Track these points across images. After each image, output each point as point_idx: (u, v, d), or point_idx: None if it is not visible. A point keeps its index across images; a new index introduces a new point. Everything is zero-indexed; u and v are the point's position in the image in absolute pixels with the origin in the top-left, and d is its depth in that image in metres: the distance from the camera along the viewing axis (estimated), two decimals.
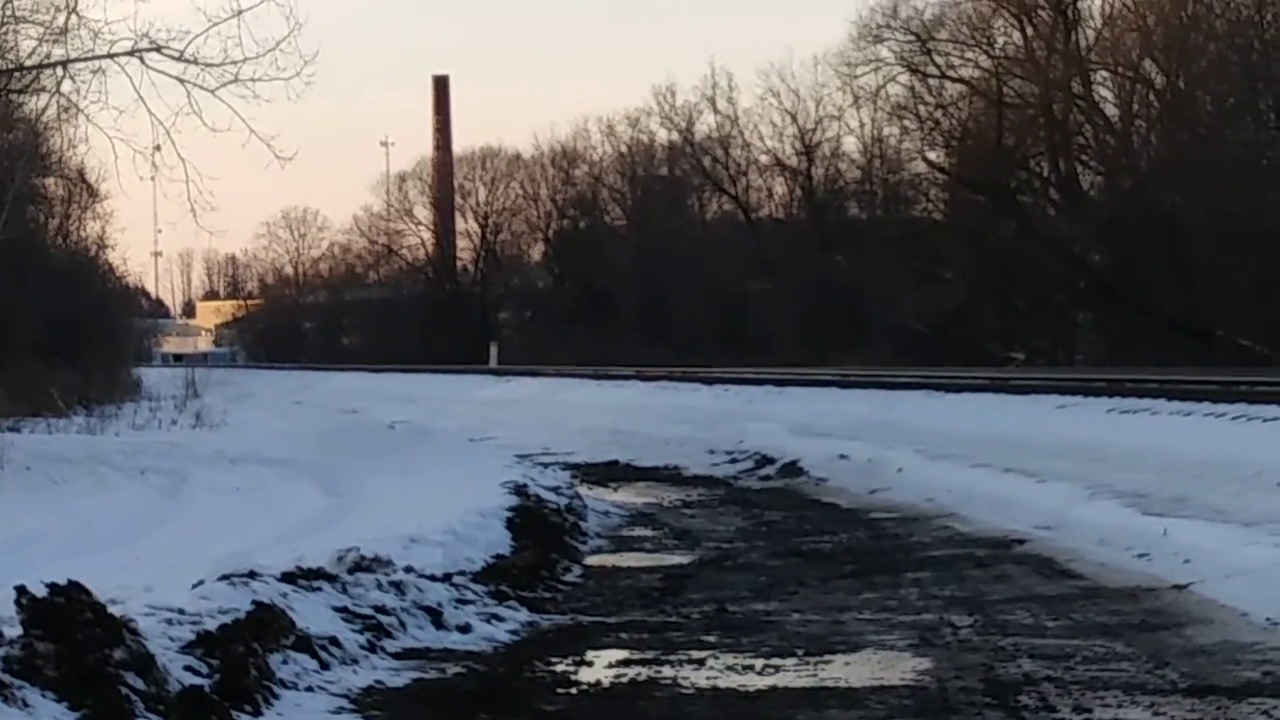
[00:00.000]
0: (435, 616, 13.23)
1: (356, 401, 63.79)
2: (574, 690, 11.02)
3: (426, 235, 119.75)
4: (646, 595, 15.42)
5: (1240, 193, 51.11)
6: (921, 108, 73.53)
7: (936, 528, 20.78)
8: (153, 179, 29.29)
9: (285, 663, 10.85)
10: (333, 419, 48.65)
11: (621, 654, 12.25)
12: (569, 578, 16.80)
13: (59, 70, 29.53)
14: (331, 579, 13.18)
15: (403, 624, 12.81)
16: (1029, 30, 68.26)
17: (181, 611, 11.08)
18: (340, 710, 10.33)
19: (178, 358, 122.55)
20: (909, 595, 15.01)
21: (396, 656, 12.02)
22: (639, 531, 21.65)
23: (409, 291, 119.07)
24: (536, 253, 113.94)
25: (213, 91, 27.56)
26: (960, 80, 71.65)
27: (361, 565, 13.91)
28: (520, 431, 42.28)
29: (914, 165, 78.57)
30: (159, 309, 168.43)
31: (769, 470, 30.56)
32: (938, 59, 71.37)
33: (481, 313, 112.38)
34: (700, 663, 11.81)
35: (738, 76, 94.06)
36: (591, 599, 15.33)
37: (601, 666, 11.79)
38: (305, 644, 11.26)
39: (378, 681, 11.13)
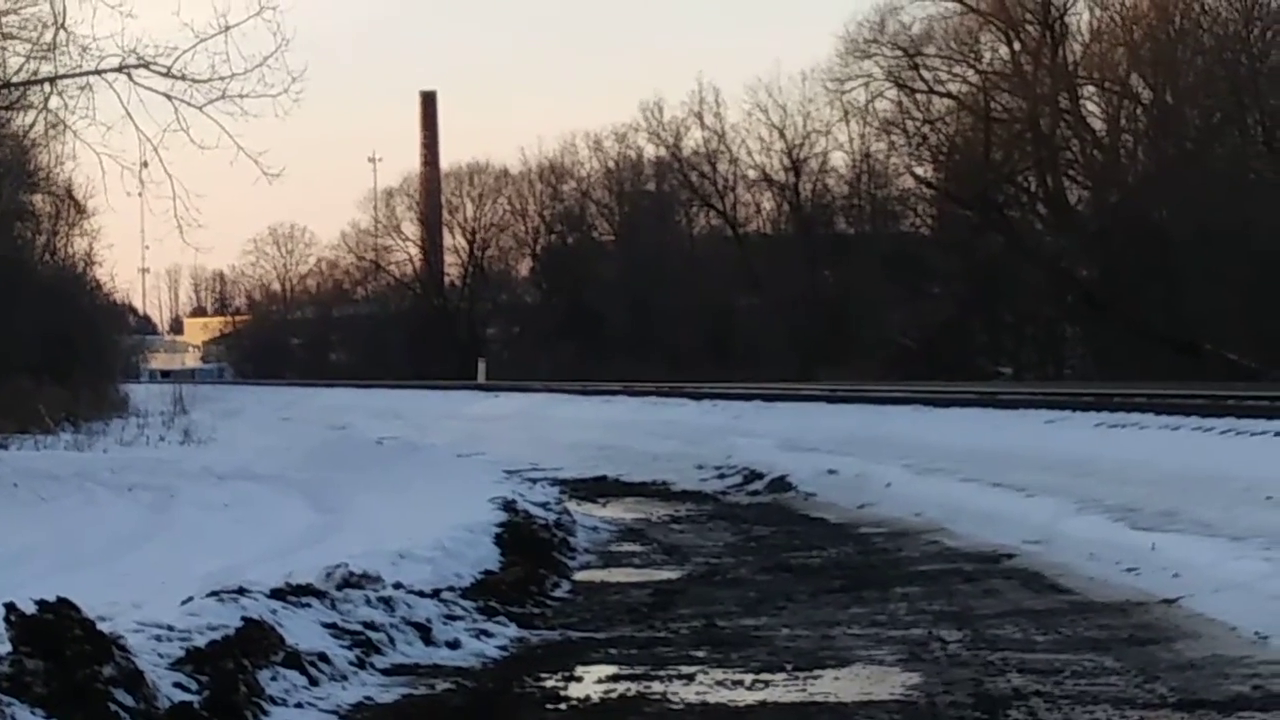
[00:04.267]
0: (424, 632, 13.22)
1: (344, 417, 63.71)
2: (563, 706, 11.01)
3: (414, 251, 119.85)
4: (635, 610, 15.42)
5: (1227, 207, 51.23)
6: (909, 123, 73.64)
7: (925, 542, 20.79)
8: (140, 195, 29.37)
9: (274, 679, 10.84)
10: (321, 435, 48.62)
11: (611, 669, 12.24)
12: (558, 593, 16.79)
13: (47, 86, 29.60)
14: (321, 595, 13.17)
15: (392, 640, 12.80)
16: (1016, 45, 68.41)
17: (170, 628, 11.06)
18: None
19: (165, 374, 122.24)
20: (898, 610, 15.01)
21: (386, 673, 12.01)
22: (628, 547, 21.64)
23: (397, 307, 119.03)
24: (524, 268, 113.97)
25: (200, 108, 27.66)
26: (948, 95, 71.79)
27: (350, 581, 13.90)
28: (508, 447, 42.26)
29: (902, 180, 78.85)
30: (146, 325, 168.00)
31: (757, 485, 30.56)
32: (925, 74, 71.47)
33: (469, 328, 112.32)
34: (689, 678, 11.81)
35: (725, 91, 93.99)
36: (580, 614, 15.32)
37: (591, 682, 11.78)
38: (294, 660, 11.26)
39: (367, 698, 11.12)
